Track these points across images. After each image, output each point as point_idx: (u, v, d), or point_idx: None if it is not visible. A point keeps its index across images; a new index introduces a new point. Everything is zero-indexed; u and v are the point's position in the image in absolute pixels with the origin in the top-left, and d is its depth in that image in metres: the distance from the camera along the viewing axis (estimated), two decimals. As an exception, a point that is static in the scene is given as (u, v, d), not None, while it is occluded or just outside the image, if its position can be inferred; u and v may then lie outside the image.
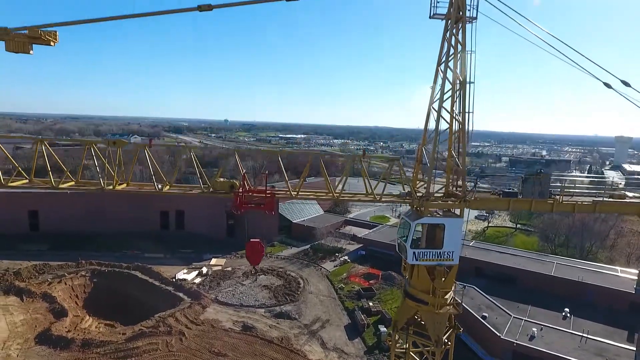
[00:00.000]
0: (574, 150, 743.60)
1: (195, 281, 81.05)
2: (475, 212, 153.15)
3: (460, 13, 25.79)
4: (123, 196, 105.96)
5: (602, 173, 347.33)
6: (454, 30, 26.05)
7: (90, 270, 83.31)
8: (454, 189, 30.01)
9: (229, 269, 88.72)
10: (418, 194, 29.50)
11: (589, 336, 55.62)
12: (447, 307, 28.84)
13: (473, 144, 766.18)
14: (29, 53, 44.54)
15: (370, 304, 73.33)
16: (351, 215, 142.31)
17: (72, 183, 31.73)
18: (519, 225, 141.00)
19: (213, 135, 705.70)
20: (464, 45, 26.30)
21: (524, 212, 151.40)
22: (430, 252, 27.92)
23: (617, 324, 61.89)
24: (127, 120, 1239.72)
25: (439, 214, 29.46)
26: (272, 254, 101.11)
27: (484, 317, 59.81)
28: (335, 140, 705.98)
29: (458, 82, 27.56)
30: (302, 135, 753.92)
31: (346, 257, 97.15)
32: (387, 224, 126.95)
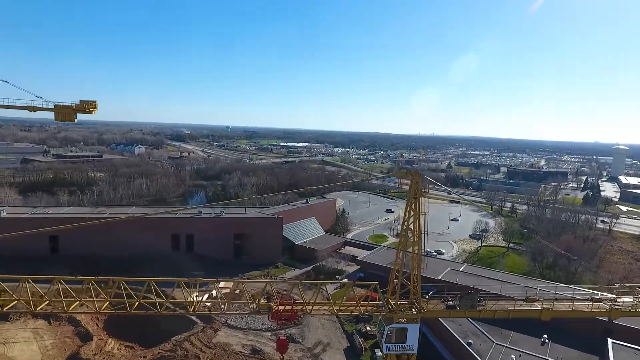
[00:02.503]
0: (572, 159, 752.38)
1: (206, 304, 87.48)
2: (469, 231, 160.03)
3: (416, 195, 38.43)
4: (137, 221, 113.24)
5: (599, 186, 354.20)
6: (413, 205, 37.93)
7: (108, 293, 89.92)
8: (415, 301, 39.66)
9: (237, 291, 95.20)
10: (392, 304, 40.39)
11: (562, 363, 62.09)
12: None
13: (473, 152, 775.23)
14: (73, 121, 52.33)
15: (368, 327, 80.00)
16: (351, 235, 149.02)
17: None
18: (511, 245, 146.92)
19: (215, 144, 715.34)
20: (418, 211, 38.25)
21: (515, 232, 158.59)
22: (397, 345, 38.22)
23: (591, 350, 68.22)
24: (128, 126, 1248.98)
25: (404, 320, 38.20)
26: (276, 275, 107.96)
27: (469, 344, 66.33)
28: (336, 149, 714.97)
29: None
30: (304, 144, 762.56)
31: (346, 279, 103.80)
32: (384, 244, 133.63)
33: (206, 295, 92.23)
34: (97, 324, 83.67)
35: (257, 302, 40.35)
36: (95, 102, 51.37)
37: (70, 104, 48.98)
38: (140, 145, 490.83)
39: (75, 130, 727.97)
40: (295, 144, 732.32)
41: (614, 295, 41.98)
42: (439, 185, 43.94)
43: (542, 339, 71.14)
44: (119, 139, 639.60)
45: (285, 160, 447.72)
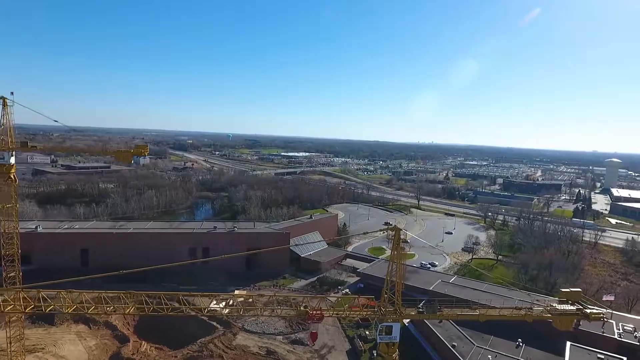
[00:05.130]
0: (569, 170, 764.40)
1: (224, 311, 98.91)
2: (461, 244, 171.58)
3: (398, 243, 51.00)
4: (158, 236, 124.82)
5: (590, 198, 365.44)
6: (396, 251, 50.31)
7: (137, 301, 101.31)
8: (397, 308, 53.12)
9: (250, 300, 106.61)
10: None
11: (531, 362, 73.60)
12: None
13: (471, 163, 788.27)
14: (130, 162, 65.25)
15: (367, 332, 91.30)
16: (351, 247, 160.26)
17: None
18: (500, 257, 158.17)
19: (217, 153, 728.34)
20: (399, 256, 50.64)
21: (504, 244, 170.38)
22: (387, 336, 52.15)
23: (557, 351, 79.41)
24: (128, 133, 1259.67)
25: (390, 320, 51.79)
26: (284, 286, 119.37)
27: (453, 346, 77.81)
28: (336, 159, 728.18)
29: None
30: (304, 154, 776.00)
31: (347, 290, 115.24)
32: (382, 256, 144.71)
33: (223, 303, 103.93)
34: (127, 328, 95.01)
35: (299, 308, 53.71)
36: (146, 145, 63.39)
37: (129, 149, 60.87)
38: (145, 156, 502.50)
39: (79, 139, 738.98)
40: (296, 154, 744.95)
41: (531, 304, 54.76)
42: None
43: (517, 343, 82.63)
44: (123, 148, 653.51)
45: (287, 171, 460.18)
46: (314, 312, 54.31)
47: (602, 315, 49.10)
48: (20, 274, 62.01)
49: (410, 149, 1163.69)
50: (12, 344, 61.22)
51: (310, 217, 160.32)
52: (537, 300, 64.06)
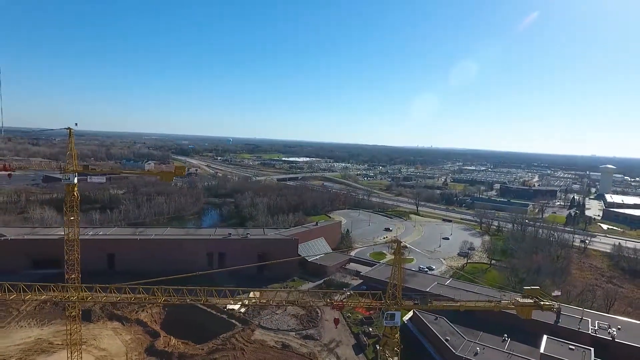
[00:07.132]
0: (566, 175, 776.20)
1: (241, 310, 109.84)
2: (457, 249, 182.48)
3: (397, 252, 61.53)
4: (178, 242, 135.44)
5: (584, 204, 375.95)
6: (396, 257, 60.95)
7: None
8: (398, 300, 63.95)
9: (264, 300, 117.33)
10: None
11: (514, 353, 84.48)
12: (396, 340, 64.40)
13: (469, 168, 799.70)
14: (171, 182, 77.21)
15: (370, 329, 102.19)
16: (354, 252, 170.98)
17: None
18: (493, 262, 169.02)
19: (219, 158, 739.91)
20: (399, 262, 60.54)
21: (498, 249, 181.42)
22: (390, 321, 62.95)
23: (537, 345, 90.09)
24: (128, 136, 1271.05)
25: (393, 309, 62.16)
26: (294, 288, 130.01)
27: (446, 340, 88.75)
28: (336, 164, 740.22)
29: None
30: (305, 159, 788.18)
31: (351, 292, 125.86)
32: (383, 260, 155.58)
33: (240, 304, 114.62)
34: (156, 325, 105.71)
35: (327, 300, 65.09)
36: (185, 166, 74.30)
37: (171, 170, 71.75)
38: (150, 162, 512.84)
39: (82, 144, 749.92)
40: (297, 159, 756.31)
41: (499, 299, 66.91)
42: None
43: (503, 337, 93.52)
44: (127, 153, 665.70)
45: (288, 176, 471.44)
46: (337, 302, 65.91)
47: (552, 306, 60.90)
48: (79, 275, 72.89)
49: (409, 153, 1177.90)
50: (69, 337, 71.87)
51: (316, 224, 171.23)
52: (504, 296, 75.95)
